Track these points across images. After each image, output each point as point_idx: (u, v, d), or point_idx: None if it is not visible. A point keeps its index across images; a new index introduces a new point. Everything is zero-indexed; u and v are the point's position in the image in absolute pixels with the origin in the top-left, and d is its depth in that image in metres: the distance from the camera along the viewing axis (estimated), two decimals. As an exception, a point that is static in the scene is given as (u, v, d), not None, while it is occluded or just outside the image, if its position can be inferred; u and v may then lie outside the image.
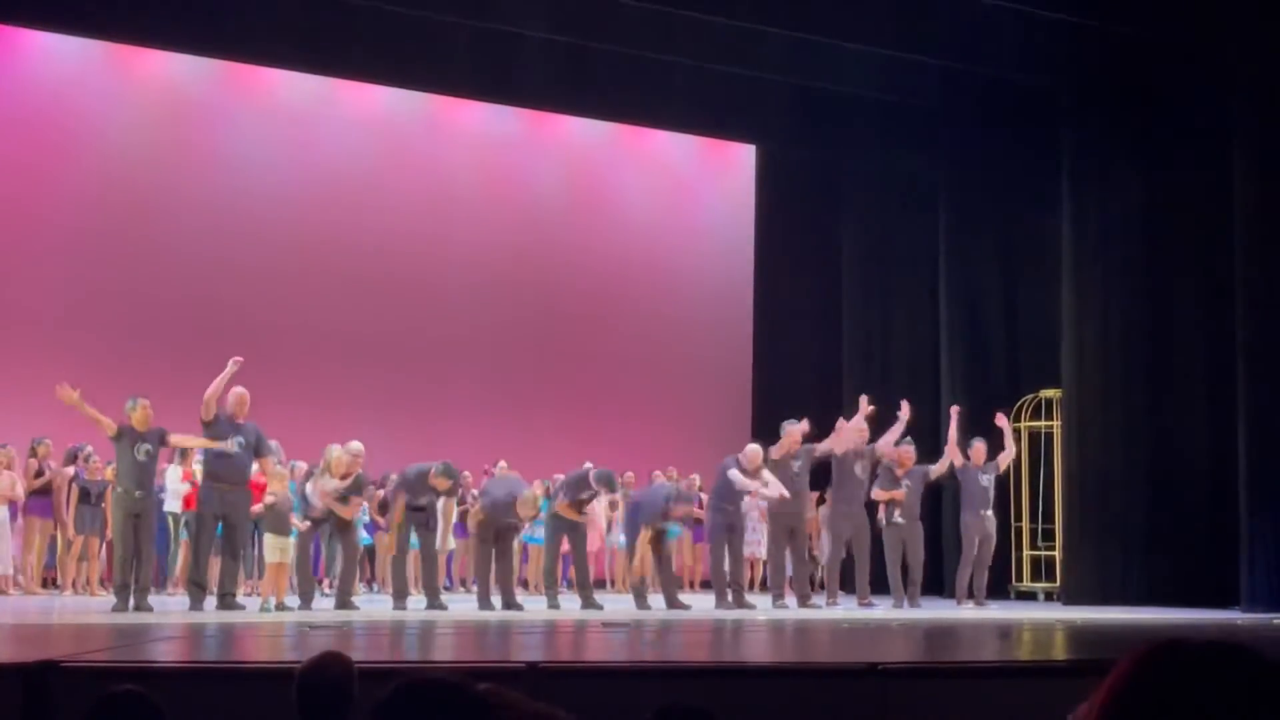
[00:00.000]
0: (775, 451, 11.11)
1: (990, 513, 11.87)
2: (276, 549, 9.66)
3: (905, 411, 11.68)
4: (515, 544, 13.05)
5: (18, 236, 13.29)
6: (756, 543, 13.07)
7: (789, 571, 11.54)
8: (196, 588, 9.49)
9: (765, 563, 12.61)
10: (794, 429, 11.22)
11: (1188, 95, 12.20)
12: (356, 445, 10.27)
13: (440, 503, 11.01)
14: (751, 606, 10.83)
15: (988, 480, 11.89)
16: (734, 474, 10.72)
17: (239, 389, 9.80)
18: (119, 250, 13.68)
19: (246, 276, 14.11)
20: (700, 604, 11.22)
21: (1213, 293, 12.09)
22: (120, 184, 13.76)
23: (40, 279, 13.32)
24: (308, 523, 10.14)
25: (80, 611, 9.47)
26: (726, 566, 11.17)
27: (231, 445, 9.53)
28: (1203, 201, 12.25)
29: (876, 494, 11.61)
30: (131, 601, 9.20)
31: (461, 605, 10.79)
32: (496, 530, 10.59)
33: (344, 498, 10.09)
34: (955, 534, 12.44)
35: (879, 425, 11.79)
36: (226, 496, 9.58)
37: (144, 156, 13.90)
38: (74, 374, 13.02)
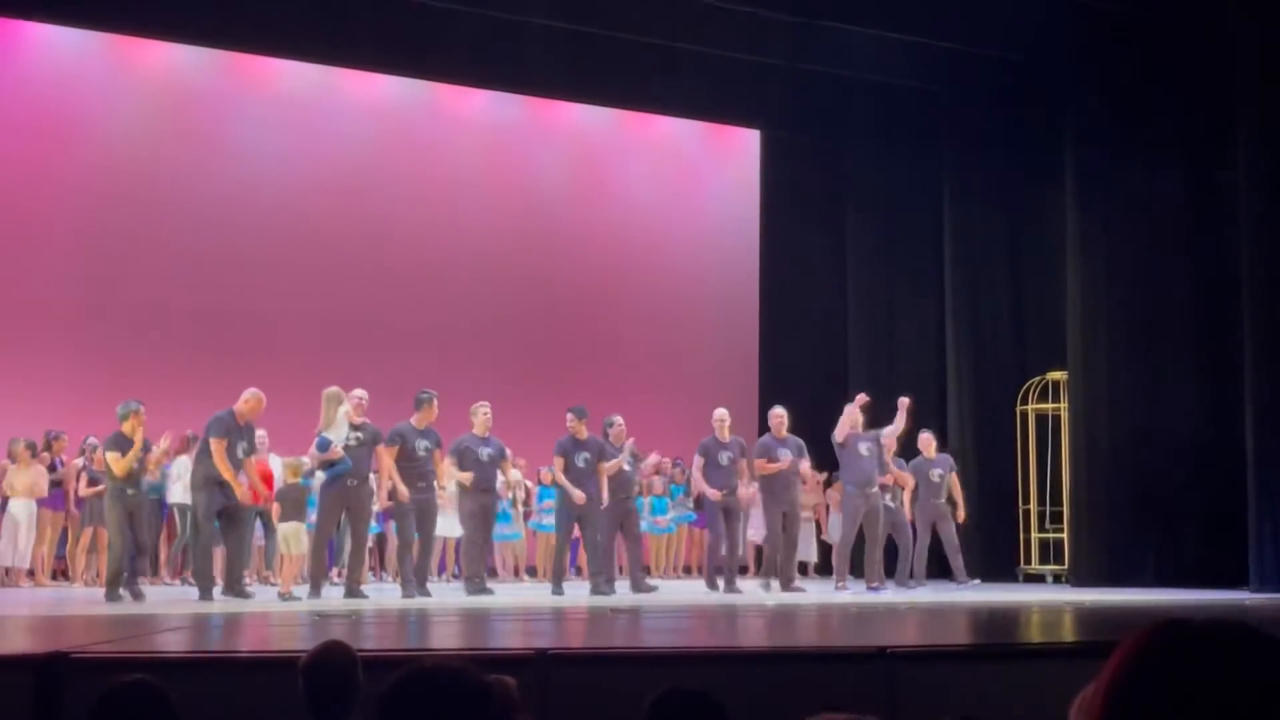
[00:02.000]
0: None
1: (943, 501, 12.00)
2: (292, 537, 9.66)
3: (904, 406, 11.67)
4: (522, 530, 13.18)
5: (24, 230, 13.30)
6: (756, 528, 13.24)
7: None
8: (204, 580, 9.60)
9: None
10: (775, 410, 11.56)
11: (1192, 75, 12.15)
12: (358, 391, 10.26)
13: (453, 487, 11.00)
14: (739, 591, 10.87)
15: (939, 475, 12.06)
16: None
17: (255, 391, 9.78)
18: (125, 242, 13.68)
19: (251, 265, 14.12)
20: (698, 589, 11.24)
21: (1219, 274, 12.05)
22: (125, 176, 13.76)
23: (46, 272, 13.33)
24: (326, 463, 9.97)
25: (90, 603, 9.50)
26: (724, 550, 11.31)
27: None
28: (1208, 182, 12.21)
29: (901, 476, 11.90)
30: (123, 591, 9.29)
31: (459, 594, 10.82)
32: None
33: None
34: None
35: (884, 415, 11.79)
36: (225, 491, 9.63)
37: (148, 148, 13.90)
38: (83, 366, 13.11)
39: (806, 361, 16.04)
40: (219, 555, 10.41)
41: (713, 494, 11.18)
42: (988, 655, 4.97)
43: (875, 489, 11.35)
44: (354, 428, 9.90)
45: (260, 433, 11.17)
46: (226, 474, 9.43)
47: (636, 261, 16.08)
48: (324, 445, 9.74)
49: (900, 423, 11.60)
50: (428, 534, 10.58)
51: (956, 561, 11.95)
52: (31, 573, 11.87)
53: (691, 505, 14.28)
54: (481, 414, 10.59)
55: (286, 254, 14.29)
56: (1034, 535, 13.62)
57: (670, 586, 12.51)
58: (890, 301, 15.43)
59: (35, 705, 4.03)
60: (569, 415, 10.97)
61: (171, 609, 8.51)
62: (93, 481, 11.86)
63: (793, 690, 4.29)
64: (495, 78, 14.82)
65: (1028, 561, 13.61)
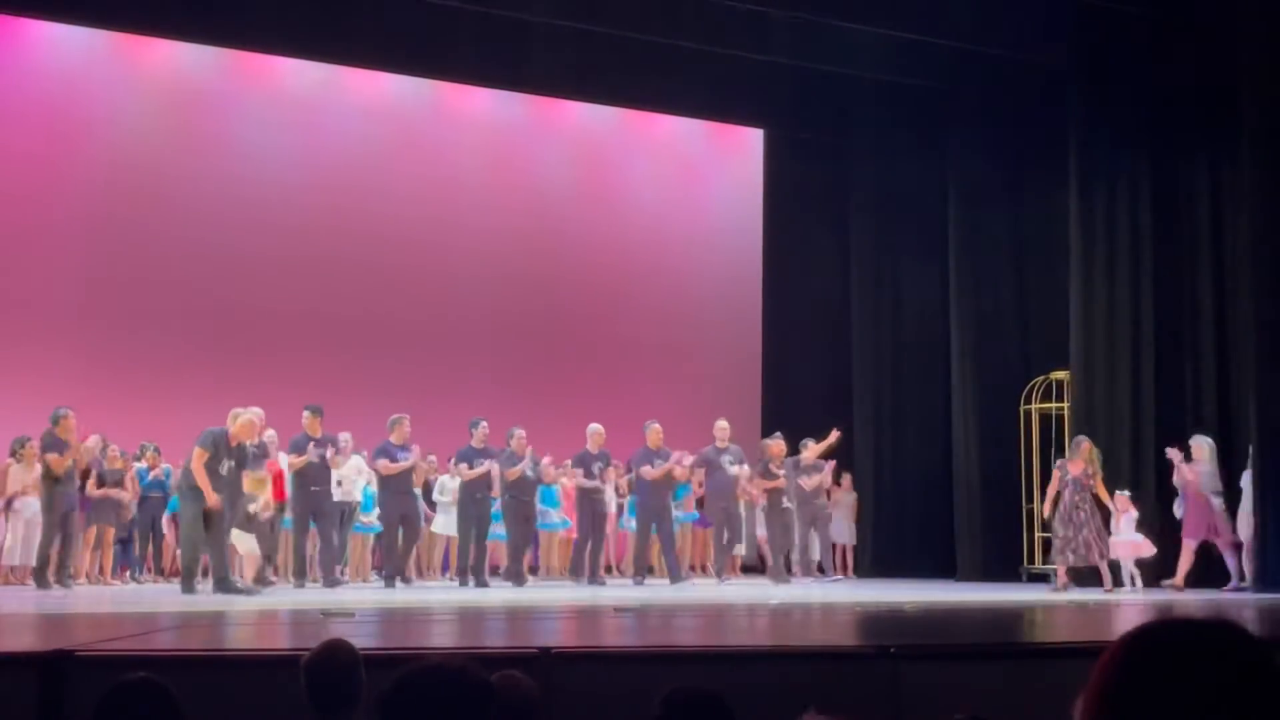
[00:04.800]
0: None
1: (821, 500, 13.36)
2: (243, 541, 10.34)
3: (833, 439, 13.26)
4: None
5: (28, 227, 13.31)
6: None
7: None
8: (189, 576, 10.09)
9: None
10: (653, 428, 12.86)
11: (1196, 73, 12.14)
12: (255, 410, 10.91)
13: (457, 485, 11.77)
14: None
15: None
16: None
17: (249, 417, 10.39)
18: (128, 240, 13.69)
19: (254, 264, 14.12)
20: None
21: (1222, 273, 12.04)
22: (128, 174, 13.77)
23: (51, 270, 13.34)
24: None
25: (94, 601, 9.51)
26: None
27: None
28: (1211, 181, 12.20)
29: (756, 483, 13.23)
30: (52, 579, 10.50)
31: (471, 592, 10.84)
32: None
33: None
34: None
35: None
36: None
37: (151, 146, 13.91)
38: (86, 364, 13.11)
39: (810, 360, 16.05)
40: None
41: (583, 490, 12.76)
42: (992, 655, 4.97)
43: (733, 497, 12.96)
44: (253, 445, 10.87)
45: (270, 432, 11.72)
46: (202, 483, 9.88)
47: (639, 260, 16.07)
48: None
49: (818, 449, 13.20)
50: (324, 528, 11.61)
51: (827, 558, 13.62)
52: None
53: (695, 506, 14.31)
54: (402, 425, 11.89)
55: (290, 252, 14.30)
56: (1037, 535, 13.60)
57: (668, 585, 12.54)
58: (894, 300, 15.42)
59: (40, 703, 4.04)
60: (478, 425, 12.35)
61: (175, 607, 8.51)
62: (103, 481, 11.90)
63: (796, 689, 4.29)
64: (499, 77, 14.82)
65: (1031, 561, 13.60)
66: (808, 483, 13.20)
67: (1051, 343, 13.53)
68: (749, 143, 16.97)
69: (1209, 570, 11.43)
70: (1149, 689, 1.18)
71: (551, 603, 9.33)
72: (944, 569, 13.95)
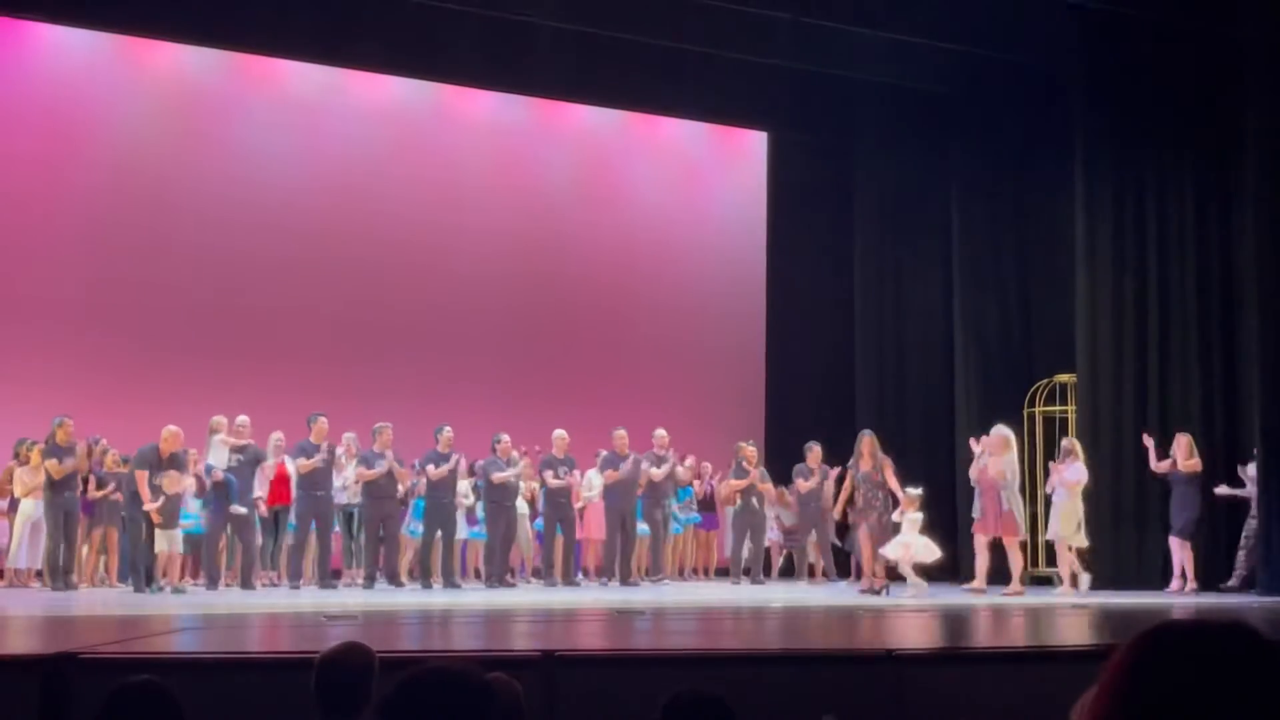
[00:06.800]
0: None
1: (816, 505, 13.49)
2: (165, 539, 10.78)
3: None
4: (527, 531, 13.26)
5: (31, 230, 13.31)
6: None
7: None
8: (136, 572, 10.95)
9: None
10: (618, 434, 13.10)
11: (1199, 77, 12.13)
12: (242, 418, 11.62)
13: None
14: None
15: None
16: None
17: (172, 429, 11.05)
18: (132, 242, 13.70)
19: (257, 267, 14.12)
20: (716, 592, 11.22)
21: (1227, 275, 12.03)
22: (132, 177, 13.78)
23: (53, 273, 13.34)
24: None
25: (97, 604, 9.52)
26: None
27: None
28: (1216, 183, 12.19)
29: (728, 484, 13.52)
30: (61, 581, 10.98)
31: (475, 595, 10.83)
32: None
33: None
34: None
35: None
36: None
37: (155, 149, 13.91)
38: (88, 367, 13.12)
39: (812, 363, 16.03)
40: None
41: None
42: (994, 658, 4.96)
43: (667, 500, 13.31)
44: (235, 450, 11.40)
45: (277, 434, 12.06)
46: (144, 497, 10.77)
47: (643, 263, 16.06)
48: (208, 470, 11.30)
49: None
50: (324, 531, 11.94)
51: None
52: (40, 573, 11.88)
53: (696, 508, 14.30)
54: (383, 433, 12.15)
55: (292, 255, 14.29)
56: (1041, 538, 13.58)
57: (674, 588, 12.54)
58: (897, 303, 15.40)
59: (43, 705, 4.04)
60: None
61: (177, 610, 8.52)
62: (101, 484, 11.89)
63: (800, 693, 4.29)
64: (501, 79, 14.81)
65: (1035, 564, 13.57)
66: (803, 485, 13.53)
67: (1056, 346, 13.51)
68: (753, 145, 16.96)
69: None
70: (1160, 690, 1.18)
71: (553, 605, 9.33)
72: (947, 572, 13.93)
